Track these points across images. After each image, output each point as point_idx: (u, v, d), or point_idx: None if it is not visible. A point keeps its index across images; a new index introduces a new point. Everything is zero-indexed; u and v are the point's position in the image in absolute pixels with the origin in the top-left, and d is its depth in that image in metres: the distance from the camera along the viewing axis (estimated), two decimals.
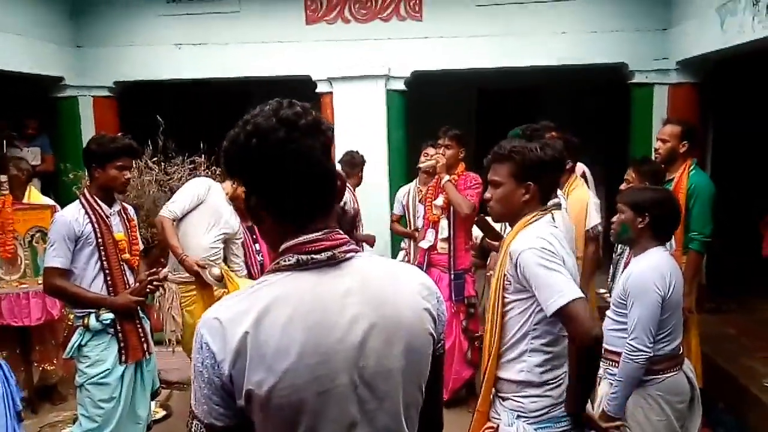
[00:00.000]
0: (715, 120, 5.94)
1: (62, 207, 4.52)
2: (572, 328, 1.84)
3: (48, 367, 4.46)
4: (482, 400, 2.12)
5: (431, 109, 7.34)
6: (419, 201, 4.65)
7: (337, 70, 5.68)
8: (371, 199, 5.07)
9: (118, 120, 6.07)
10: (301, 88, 5.94)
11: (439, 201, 4.18)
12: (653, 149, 3.82)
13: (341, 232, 1.19)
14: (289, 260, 1.14)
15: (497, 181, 2.11)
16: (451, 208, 4.12)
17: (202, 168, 4.94)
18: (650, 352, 2.45)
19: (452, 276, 4.17)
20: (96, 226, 3.00)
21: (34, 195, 4.51)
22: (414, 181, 4.87)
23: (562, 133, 3.90)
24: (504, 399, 2.06)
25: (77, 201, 3.08)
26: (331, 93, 5.78)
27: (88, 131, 5.91)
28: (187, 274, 3.82)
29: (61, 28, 5.69)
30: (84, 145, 5.77)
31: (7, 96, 5.77)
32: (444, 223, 4.17)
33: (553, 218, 2.07)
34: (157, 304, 3.99)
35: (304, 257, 1.14)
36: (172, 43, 5.84)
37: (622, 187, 3.55)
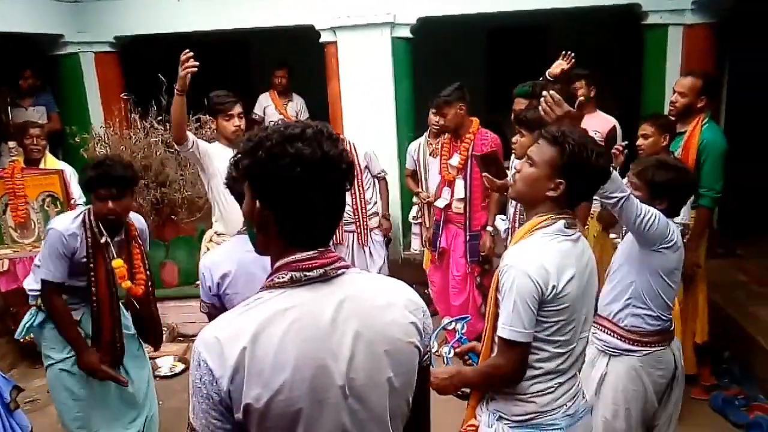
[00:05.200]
0: (731, 63, 5.74)
1: (72, 169, 4.58)
2: (499, 359, 1.89)
3: None
4: (473, 396, 2.06)
5: (439, 55, 7.20)
6: (429, 154, 4.61)
7: (340, 19, 5.51)
8: (378, 151, 5.00)
9: (122, 76, 5.99)
10: (303, 37, 5.83)
11: (455, 161, 4.14)
12: (669, 102, 3.70)
13: (333, 250, 1.25)
14: (282, 277, 1.20)
15: (534, 160, 1.90)
16: (468, 168, 4.08)
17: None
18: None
19: (468, 237, 4.19)
20: (91, 251, 2.80)
21: (50, 161, 4.54)
22: (424, 134, 4.81)
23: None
24: (488, 399, 2.00)
25: (80, 214, 2.86)
26: (335, 42, 5.62)
27: (91, 89, 5.85)
28: None
29: None
30: (88, 103, 5.80)
31: (4, 58, 5.68)
32: (459, 183, 4.14)
33: (567, 225, 1.89)
34: None
35: (297, 274, 1.19)
36: None
37: (640, 142, 3.46)
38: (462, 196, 4.15)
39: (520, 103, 3.56)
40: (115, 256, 2.87)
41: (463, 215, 4.18)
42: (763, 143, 5.41)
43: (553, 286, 1.81)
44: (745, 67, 5.61)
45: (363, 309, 1.22)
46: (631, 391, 2.50)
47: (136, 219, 3.07)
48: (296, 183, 1.15)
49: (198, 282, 4.92)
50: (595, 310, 2.66)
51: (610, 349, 2.56)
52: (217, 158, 3.65)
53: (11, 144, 4.38)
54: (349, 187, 1.23)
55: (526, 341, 1.83)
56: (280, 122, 1.22)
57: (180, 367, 4.57)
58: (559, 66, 3.88)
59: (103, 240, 2.82)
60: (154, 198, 4.76)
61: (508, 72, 7.05)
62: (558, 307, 1.83)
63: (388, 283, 1.32)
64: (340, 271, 1.23)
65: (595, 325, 2.61)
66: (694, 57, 5.05)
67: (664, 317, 2.52)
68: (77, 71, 5.79)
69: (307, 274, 1.19)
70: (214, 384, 1.12)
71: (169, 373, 4.49)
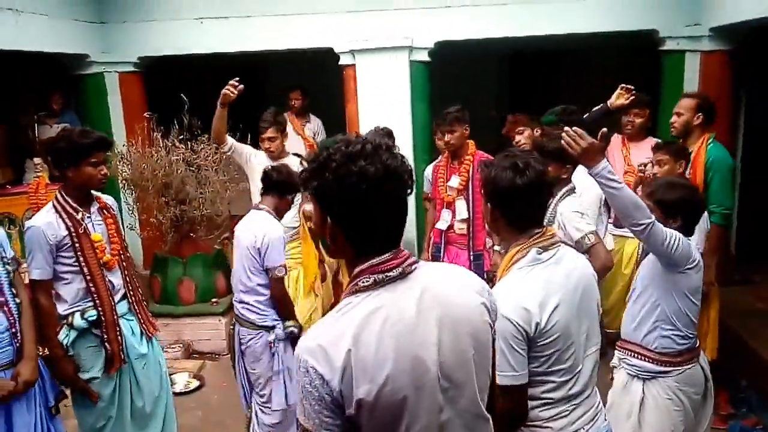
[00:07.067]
0: (748, 89, 5.74)
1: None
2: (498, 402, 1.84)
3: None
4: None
5: (456, 79, 7.27)
6: None
7: (359, 42, 5.61)
8: None
9: (145, 96, 6.12)
10: (322, 60, 5.93)
11: (454, 182, 4.16)
12: (670, 123, 3.79)
13: (403, 249, 1.37)
14: (366, 281, 1.33)
15: (483, 196, 2.01)
16: (469, 189, 4.10)
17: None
18: None
19: (471, 257, 4.19)
20: (72, 230, 2.82)
21: None
22: (439, 157, 4.83)
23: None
24: None
25: (50, 204, 2.90)
26: (353, 65, 5.72)
27: (115, 108, 5.98)
28: None
29: (85, 5, 5.69)
30: (111, 121, 5.92)
31: (31, 77, 5.83)
32: (461, 204, 4.15)
33: (540, 251, 1.86)
34: None
35: (379, 276, 1.33)
36: (193, 18, 5.82)
37: (656, 170, 3.49)
38: (465, 216, 4.14)
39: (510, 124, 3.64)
40: (94, 229, 2.92)
41: (465, 236, 4.18)
42: None
43: (537, 323, 1.78)
44: (762, 92, 5.60)
45: (441, 297, 1.35)
46: (673, 412, 2.53)
47: (103, 195, 3.13)
48: (362, 199, 1.28)
49: (214, 300, 5.04)
50: (620, 335, 2.68)
51: (643, 373, 2.58)
52: (259, 166, 3.95)
53: (37, 160, 4.49)
54: (410, 192, 1.34)
55: (520, 383, 1.81)
56: (340, 139, 1.32)
57: (195, 383, 4.59)
58: (621, 96, 3.92)
59: (79, 216, 2.86)
60: (173, 215, 4.83)
61: (528, 98, 7.16)
62: (548, 340, 1.81)
63: (455, 270, 1.47)
64: (413, 267, 1.35)
65: (624, 351, 2.64)
66: (711, 83, 5.08)
67: (691, 335, 2.56)
68: (101, 90, 5.93)
69: (388, 274, 1.32)
70: (326, 386, 1.25)
71: (183, 390, 4.52)
